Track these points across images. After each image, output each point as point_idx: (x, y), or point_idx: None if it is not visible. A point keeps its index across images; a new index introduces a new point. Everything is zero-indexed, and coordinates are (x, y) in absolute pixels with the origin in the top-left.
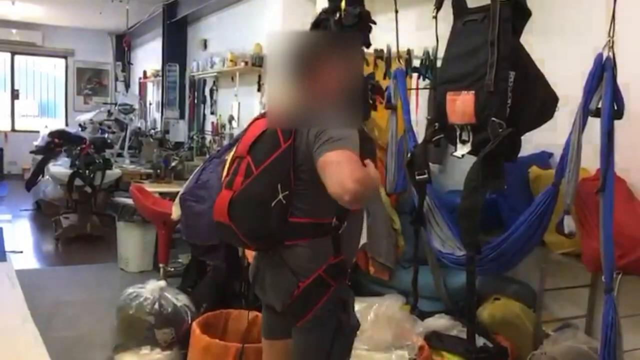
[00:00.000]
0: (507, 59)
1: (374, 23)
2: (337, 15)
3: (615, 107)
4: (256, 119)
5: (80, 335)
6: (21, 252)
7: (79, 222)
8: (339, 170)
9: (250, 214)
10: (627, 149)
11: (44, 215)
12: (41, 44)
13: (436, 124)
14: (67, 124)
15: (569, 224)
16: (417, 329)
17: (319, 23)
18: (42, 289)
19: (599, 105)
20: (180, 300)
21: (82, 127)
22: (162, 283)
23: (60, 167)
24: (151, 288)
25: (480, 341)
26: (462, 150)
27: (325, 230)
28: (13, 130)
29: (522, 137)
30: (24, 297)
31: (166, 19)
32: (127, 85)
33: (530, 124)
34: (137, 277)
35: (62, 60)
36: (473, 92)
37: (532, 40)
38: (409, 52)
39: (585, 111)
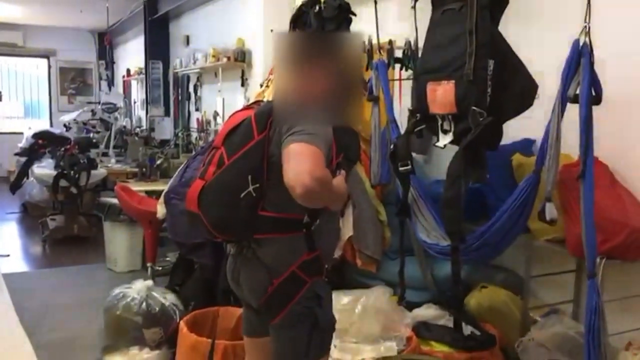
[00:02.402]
0: (485, 47)
1: (354, 14)
2: (317, 7)
3: (594, 93)
4: (236, 111)
5: (70, 338)
6: (8, 255)
7: (66, 223)
8: (300, 162)
9: (218, 203)
10: (610, 133)
11: (30, 218)
12: (22, 44)
13: (417, 114)
14: (52, 125)
15: (551, 211)
16: (405, 319)
17: (298, 17)
18: (30, 292)
19: (577, 92)
20: (168, 299)
21: (67, 127)
22: (149, 282)
23: (44, 168)
24: (138, 288)
25: (468, 330)
26: (444, 140)
27: (297, 226)
28: None
29: (505, 125)
30: (11, 301)
31: (147, 15)
32: (112, 84)
33: (510, 112)
34: (126, 277)
35: (45, 61)
36: (453, 81)
37: (511, 28)
38: (390, 42)
39: (564, 98)
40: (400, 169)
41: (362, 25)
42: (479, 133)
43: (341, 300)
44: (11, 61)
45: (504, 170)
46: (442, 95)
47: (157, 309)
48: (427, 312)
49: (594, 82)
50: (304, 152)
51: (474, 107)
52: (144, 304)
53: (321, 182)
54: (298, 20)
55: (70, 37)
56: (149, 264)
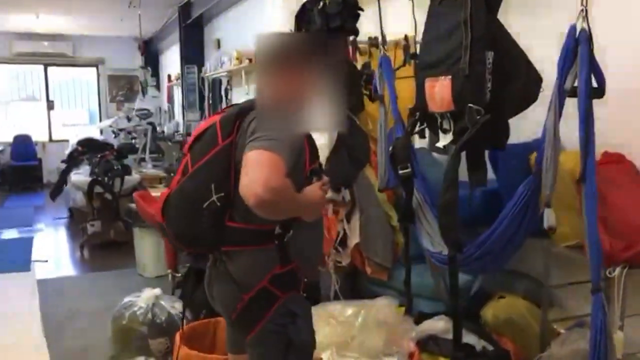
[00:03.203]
0: (482, 39)
1: (361, 10)
2: (321, 4)
3: (595, 85)
4: (207, 117)
5: (87, 346)
6: (46, 261)
7: (103, 228)
8: (255, 170)
9: (180, 214)
10: (632, 125)
11: (76, 223)
12: (72, 54)
13: (417, 113)
14: (101, 132)
15: (549, 217)
16: (410, 333)
17: (302, 14)
18: (60, 297)
19: (575, 84)
20: (176, 308)
21: (116, 133)
22: (157, 291)
23: (80, 175)
24: (146, 297)
25: (481, 344)
26: (444, 140)
27: (268, 237)
28: (50, 140)
29: (523, 121)
30: (41, 307)
31: (182, 20)
32: (152, 89)
33: (514, 108)
34: (153, 282)
35: (94, 69)
36: (450, 77)
37: (510, 15)
38: (406, 38)
39: (561, 91)
40: (400, 172)
41: (374, 21)
42: (476, 132)
43: (345, 312)
44: (63, 71)
45: (521, 170)
46: (439, 92)
47: (163, 318)
48: (438, 324)
49: (595, 73)
50: (261, 160)
51: (470, 104)
52: (150, 313)
53: (277, 192)
54: (302, 18)
55: (116, 46)
56: (169, 271)
